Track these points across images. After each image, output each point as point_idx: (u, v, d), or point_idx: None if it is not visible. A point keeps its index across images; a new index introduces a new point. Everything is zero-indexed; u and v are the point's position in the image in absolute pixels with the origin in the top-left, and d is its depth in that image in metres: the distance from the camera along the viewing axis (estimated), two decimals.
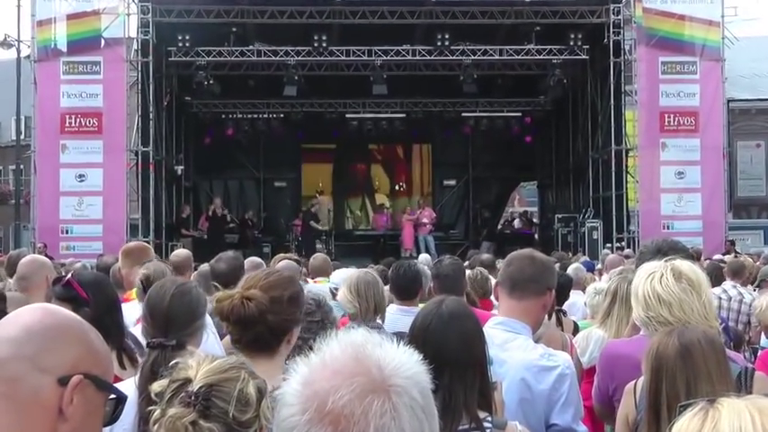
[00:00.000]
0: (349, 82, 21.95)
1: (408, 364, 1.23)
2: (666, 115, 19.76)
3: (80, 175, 18.84)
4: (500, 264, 4.70)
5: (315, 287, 5.95)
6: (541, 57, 20.27)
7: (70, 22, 19.13)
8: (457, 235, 24.93)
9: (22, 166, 25.88)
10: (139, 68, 19.25)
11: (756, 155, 31.27)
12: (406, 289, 5.20)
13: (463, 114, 23.93)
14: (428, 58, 20.38)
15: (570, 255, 15.65)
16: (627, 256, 11.04)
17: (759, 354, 5.29)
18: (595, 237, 19.44)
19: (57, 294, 3.53)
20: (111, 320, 3.43)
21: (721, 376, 2.57)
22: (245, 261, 6.43)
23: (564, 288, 6.37)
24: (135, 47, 19.49)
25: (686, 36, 19.79)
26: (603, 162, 20.29)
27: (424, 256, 12.32)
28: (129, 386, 2.53)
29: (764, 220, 30.10)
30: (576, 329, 5.67)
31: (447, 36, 19.61)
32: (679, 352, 2.59)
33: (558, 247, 19.68)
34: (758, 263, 11.09)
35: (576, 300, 7.23)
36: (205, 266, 6.60)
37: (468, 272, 6.39)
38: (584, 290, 7.10)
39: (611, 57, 19.49)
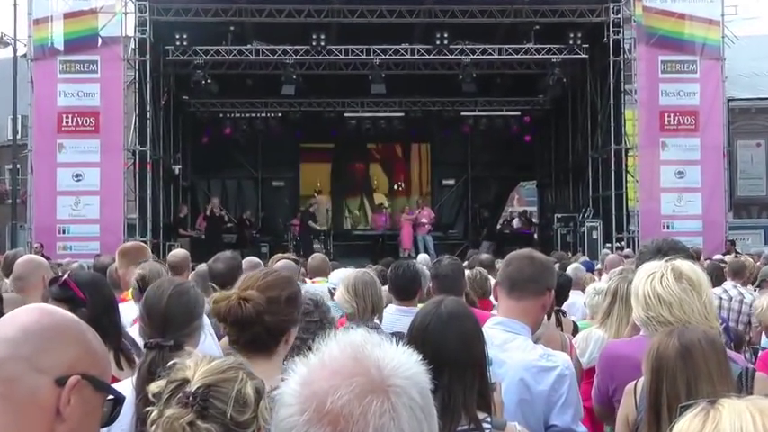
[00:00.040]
0: (347, 81, 21.94)
1: (407, 365, 1.23)
2: (666, 114, 19.77)
3: (77, 175, 18.81)
4: (499, 264, 4.69)
5: (312, 287, 5.94)
6: (541, 56, 20.28)
7: (67, 21, 19.11)
8: (456, 235, 24.93)
9: (18, 166, 25.79)
10: (137, 67, 19.22)
11: (756, 154, 31.26)
12: (405, 289, 5.20)
13: (462, 113, 23.92)
14: (427, 57, 20.38)
15: (570, 255, 15.63)
16: (626, 256, 11.05)
17: (759, 354, 5.28)
18: (595, 236, 19.43)
19: (53, 295, 3.52)
20: (109, 321, 3.42)
21: (722, 377, 2.56)
22: (243, 261, 6.42)
23: (563, 288, 6.37)
24: (132, 46, 19.49)
25: (686, 35, 19.79)
26: (603, 161, 20.29)
27: (422, 256, 12.32)
28: (126, 387, 2.52)
29: (765, 220, 30.05)
30: (575, 330, 5.67)
31: (446, 35, 19.60)
32: (679, 352, 2.58)
33: (558, 246, 19.67)
34: (758, 263, 11.08)
35: (575, 300, 7.23)
36: (203, 266, 6.59)
37: (467, 272, 6.38)
38: (583, 290, 7.10)
39: (611, 56, 19.48)
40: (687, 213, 19.61)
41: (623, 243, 18.71)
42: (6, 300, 3.98)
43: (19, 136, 25.88)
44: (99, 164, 18.88)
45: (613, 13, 19.41)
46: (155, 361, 2.71)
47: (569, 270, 8.12)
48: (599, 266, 11.30)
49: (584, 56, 20.14)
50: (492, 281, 5.87)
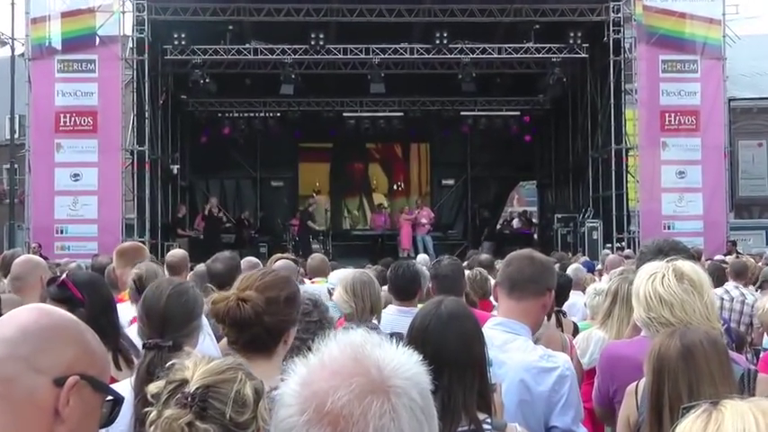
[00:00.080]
0: (346, 80, 21.93)
1: (408, 365, 1.22)
2: (667, 114, 19.76)
3: (75, 175, 18.79)
4: (499, 264, 4.68)
5: (310, 287, 5.93)
6: (541, 55, 20.28)
7: (65, 20, 19.09)
8: (455, 235, 24.93)
9: (16, 166, 25.77)
10: (135, 67, 19.20)
11: (758, 154, 31.20)
12: (405, 289, 5.19)
13: (462, 113, 23.91)
14: (426, 56, 20.37)
15: (570, 255, 15.62)
16: (627, 257, 11.04)
17: (761, 355, 5.27)
18: (595, 237, 19.42)
19: (51, 295, 3.51)
20: (107, 321, 3.42)
21: (724, 378, 2.56)
22: (242, 261, 6.41)
23: (563, 289, 6.35)
24: (130, 45, 19.44)
25: (687, 34, 19.78)
26: (603, 161, 20.28)
27: (422, 257, 12.33)
28: (125, 387, 2.52)
29: (766, 221, 30.02)
30: (575, 330, 5.67)
31: (445, 34, 19.59)
32: (681, 353, 2.58)
33: (558, 247, 19.67)
34: (760, 263, 11.06)
35: (575, 300, 7.22)
36: (201, 267, 6.58)
37: (467, 272, 6.37)
38: (583, 290, 7.10)
39: (611, 55, 19.48)
40: (688, 214, 19.59)
41: (624, 243, 18.70)
42: (4, 300, 3.97)
43: (17, 135, 25.82)
44: (97, 163, 18.86)
45: (614, 12, 19.40)
46: (153, 361, 2.71)
47: (569, 270, 8.12)
48: (599, 267, 11.29)
49: (584, 55, 20.14)
50: (492, 281, 5.86)
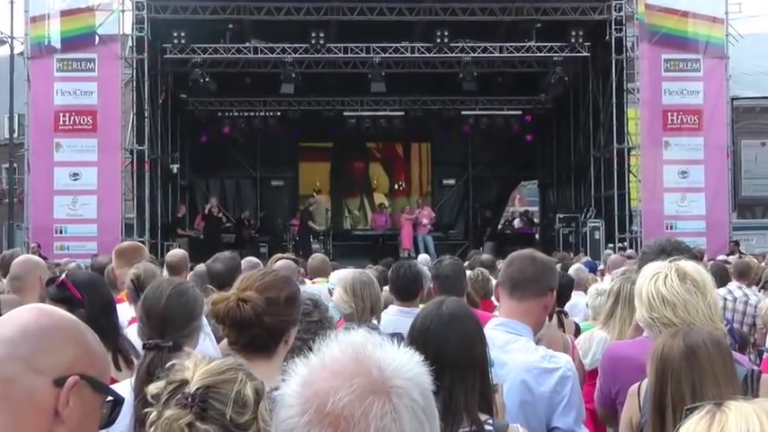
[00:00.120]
0: (347, 79, 21.93)
1: (409, 366, 1.22)
2: (669, 113, 19.74)
3: (74, 174, 18.79)
4: (500, 264, 4.66)
5: (311, 287, 5.92)
6: (542, 54, 20.27)
7: (64, 19, 19.09)
8: (456, 235, 24.92)
9: (15, 165, 25.75)
10: (134, 66, 19.20)
11: (761, 154, 31.12)
12: (407, 290, 5.18)
13: (463, 113, 23.90)
14: (427, 55, 20.36)
15: (572, 255, 15.61)
16: (629, 257, 11.03)
17: (765, 356, 5.26)
18: (597, 237, 19.39)
19: (51, 295, 3.50)
20: (107, 321, 3.42)
21: (727, 379, 2.55)
22: (242, 261, 6.41)
23: (565, 289, 6.34)
24: (130, 44, 19.45)
25: (689, 33, 19.75)
26: (605, 161, 20.25)
27: (423, 257, 12.33)
28: (124, 388, 2.52)
29: None
30: (577, 331, 5.65)
31: (446, 33, 19.58)
32: (684, 354, 2.57)
33: (560, 247, 19.67)
34: (763, 263, 11.05)
35: (577, 301, 7.21)
36: (201, 267, 6.58)
37: (468, 272, 6.36)
38: (585, 291, 7.09)
39: (613, 54, 19.44)
40: (690, 213, 19.57)
41: (626, 243, 18.68)
42: (3, 300, 3.97)
43: (16, 135, 25.82)
44: (96, 163, 18.87)
45: (615, 10, 19.37)
46: (153, 362, 2.71)
47: (571, 271, 8.12)
48: (601, 267, 11.28)
49: (585, 54, 20.10)
50: (493, 281, 5.85)
